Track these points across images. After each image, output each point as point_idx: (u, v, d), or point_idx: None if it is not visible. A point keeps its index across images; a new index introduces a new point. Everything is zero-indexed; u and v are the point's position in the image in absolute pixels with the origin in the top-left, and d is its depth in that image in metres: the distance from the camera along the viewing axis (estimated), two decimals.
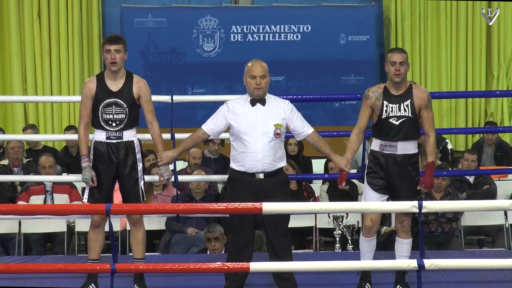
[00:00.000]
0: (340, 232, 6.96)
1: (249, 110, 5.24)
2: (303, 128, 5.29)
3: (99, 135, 5.28)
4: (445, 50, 11.46)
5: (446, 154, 9.05)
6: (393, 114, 5.19)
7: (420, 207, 4.59)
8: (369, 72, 11.31)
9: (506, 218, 7.71)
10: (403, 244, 5.33)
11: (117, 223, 7.38)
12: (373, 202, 5.12)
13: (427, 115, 5.24)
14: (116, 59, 5.20)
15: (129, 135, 5.28)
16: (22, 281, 5.51)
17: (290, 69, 11.25)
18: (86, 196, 5.31)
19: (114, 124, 5.23)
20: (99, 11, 11.29)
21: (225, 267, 4.83)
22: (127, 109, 5.24)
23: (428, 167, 5.25)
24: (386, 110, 5.20)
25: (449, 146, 9.22)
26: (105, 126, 5.24)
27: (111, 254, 4.98)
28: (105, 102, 5.23)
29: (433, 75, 11.48)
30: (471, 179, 8.13)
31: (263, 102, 5.25)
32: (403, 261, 5.00)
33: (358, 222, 7.10)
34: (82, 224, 7.52)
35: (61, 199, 7.68)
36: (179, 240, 7.36)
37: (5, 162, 8.41)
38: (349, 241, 7.01)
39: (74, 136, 6.09)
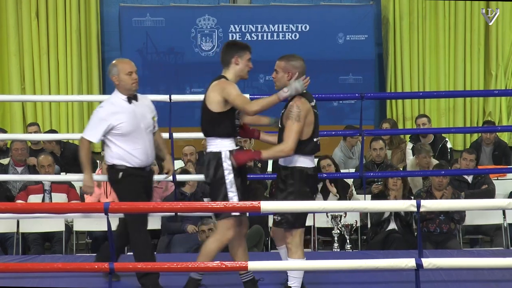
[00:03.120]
0: (338, 231, 6.96)
1: (130, 108, 5.32)
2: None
3: (231, 144, 5.15)
4: (443, 49, 11.46)
5: (445, 153, 9.04)
6: None
7: (418, 206, 4.59)
8: (367, 72, 11.31)
9: (504, 217, 7.72)
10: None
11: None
12: (372, 201, 5.09)
13: None
14: None
15: None
16: (20, 280, 5.52)
17: None
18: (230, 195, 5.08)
19: (238, 129, 5.22)
20: (97, 11, 11.28)
21: (224, 266, 4.83)
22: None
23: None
24: None
25: (449, 145, 9.22)
26: (235, 132, 5.21)
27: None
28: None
29: (431, 74, 11.47)
30: (469, 178, 8.13)
31: (136, 98, 5.39)
32: (401, 260, 4.99)
33: (356, 222, 7.11)
34: (80, 224, 7.52)
35: (59, 198, 7.68)
36: (181, 240, 7.33)
37: (4, 161, 8.39)
38: (347, 240, 7.01)
39: (74, 136, 6.09)
